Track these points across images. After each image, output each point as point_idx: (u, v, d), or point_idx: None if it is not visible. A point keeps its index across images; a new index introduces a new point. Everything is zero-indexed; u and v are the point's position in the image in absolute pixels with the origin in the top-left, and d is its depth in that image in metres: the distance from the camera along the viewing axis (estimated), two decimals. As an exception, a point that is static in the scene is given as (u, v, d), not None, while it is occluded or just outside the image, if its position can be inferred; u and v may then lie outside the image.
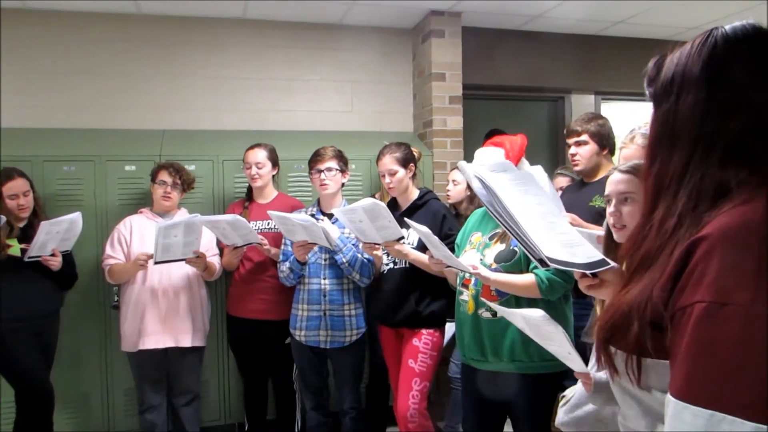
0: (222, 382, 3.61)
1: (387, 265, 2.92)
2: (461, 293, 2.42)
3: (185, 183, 3.20)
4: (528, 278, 2.22)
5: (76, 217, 2.96)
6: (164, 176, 3.14)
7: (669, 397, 0.80)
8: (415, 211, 2.86)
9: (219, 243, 3.21)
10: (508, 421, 2.43)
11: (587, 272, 1.28)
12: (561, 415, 1.81)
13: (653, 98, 0.96)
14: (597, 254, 1.30)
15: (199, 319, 3.18)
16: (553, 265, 1.32)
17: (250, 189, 3.37)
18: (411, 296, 2.80)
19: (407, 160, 2.89)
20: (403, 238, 2.69)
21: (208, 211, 3.51)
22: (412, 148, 3.00)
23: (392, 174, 2.86)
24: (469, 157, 2.61)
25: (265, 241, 3.11)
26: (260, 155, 3.24)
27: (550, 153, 4.76)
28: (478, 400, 2.43)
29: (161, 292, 3.09)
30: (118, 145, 3.59)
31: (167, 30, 3.97)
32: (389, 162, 2.87)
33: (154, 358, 3.10)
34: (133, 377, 3.22)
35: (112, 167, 3.46)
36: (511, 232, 1.35)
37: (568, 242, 1.32)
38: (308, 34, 4.23)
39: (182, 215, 3.22)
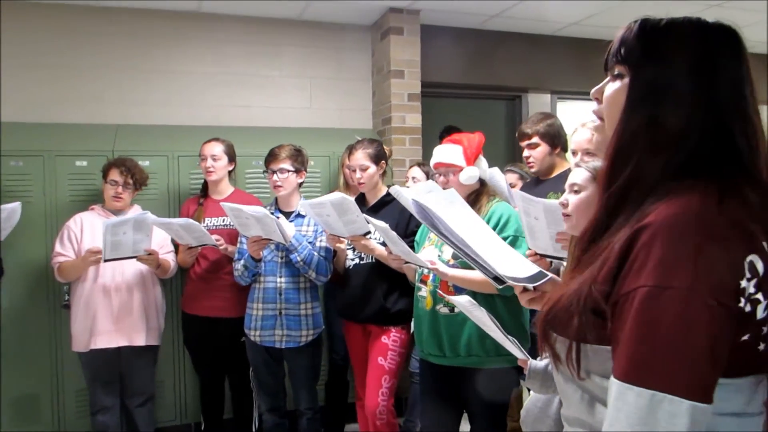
0: (177, 381, 3.54)
1: (353, 260, 2.91)
2: (420, 289, 2.44)
3: (137, 182, 3.11)
4: (485, 274, 2.24)
5: (17, 206, 2.84)
6: (115, 175, 3.05)
7: (612, 379, 0.82)
8: (382, 207, 2.87)
9: (174, 240, 3.15)
10: (466, 415, 2.46)
11: (529, 286, 1.30)
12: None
13: (632, 89, 0.94)
14: (534, 267, 1.33)
15: (153, 318, 3.12)
16: (509, 283, 1.33)
17: (205, 185, 3.32)
18: (378, 291, 2.80)
19: (379, 157, 2.89)
20: (369, 233, 2.69)
21: (162, 208, 3.44)
22: (384, 147, 3.00)
23: (363, 169, 2.85)
24: (427, 155, 2.63)
25: (221, 240, 3.06)
26: (217, 148, 3.19)
27: (507, 151, 4.82)
28: (435, 395, 2.45)
29: (114, 290, 3.01)
30: (69, 140, 3.48)
31: (121, 22, 3.87)
32: (362, 157, 2.86)
33: (106, 358, 3.01)
34: (85, 378, 3.12)
35: (62, 163, 3.35)
36: (460, 253, 1.36)
37: (509, 257, 1.35)
38: (266, 29, 4.18)
39: (135, 211, 3.15)
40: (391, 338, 2.80)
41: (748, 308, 0.81)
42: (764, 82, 4.79)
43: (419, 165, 3.53)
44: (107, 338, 2.98)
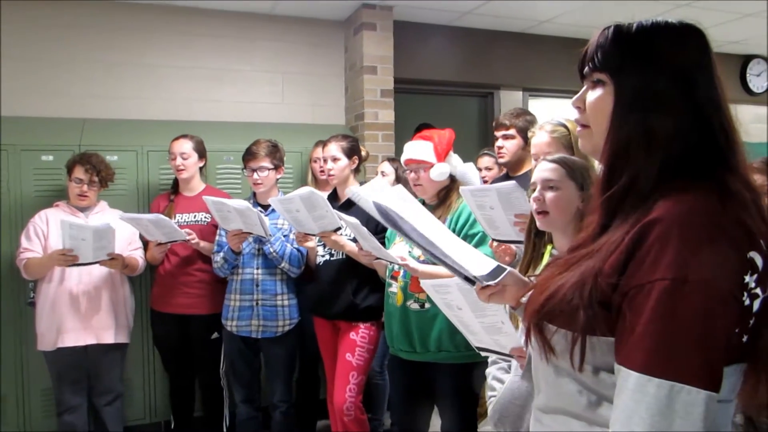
0: (147, 379, 3.50)
1: (323, 256, 2.90)
2: (390, 285, 2.44)
3: (103, 179, 3.04)
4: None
5: None
6: (80, 173, 2.97)
7: (627, 371, 0.83)
8: (353, 204, 2.86)
9: (143, 237, 3.11)
10: (436, 410, 2.48)
11: (491, 282, 1.29)
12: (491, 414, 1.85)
13: (619, 95, 0.95)
14: (492, 262, 1.32)
15: (122, 315, 3.07)
16: (484, 282, 1.32)
17: (176, 181, 3.28)
18: (348, 288, 2.79)
19: (352, 151, 2.89)
20: (340, 228, 2.68)
21: (131, 204, 3.39)
22: (361, 147, 3.00)
23: (334, 160, 2.85)
24: (400, 151, 2.63)
25: (192, 235, 3.03)
26: (186, 146, 3.15)
27: (480, 147, 4.83)
28: (406, 391, 2.46)
29: (81, 287, 2.96)
30: (35, 134, 3.40)
31: (91, 14, 3.80)
32: (334, 149, 2.86)
33: (73, 356, 2.96)
34: (51, 377, 3.06)
35: (28, 157, 3.27)
36: (426, 254, 1.33)
37: (467, 254, 1.34)
38: (238, 23, 4.14)
39: (102, 208, 3.10)
40: (359, 334, 2.80)
41: (747, 302, 0.84)
42: (736, 81, 4.86)
43: (390, 160, 3.54)
44: (74, 336, 2.93)
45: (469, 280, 1.31)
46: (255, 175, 2.95)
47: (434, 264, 2.26)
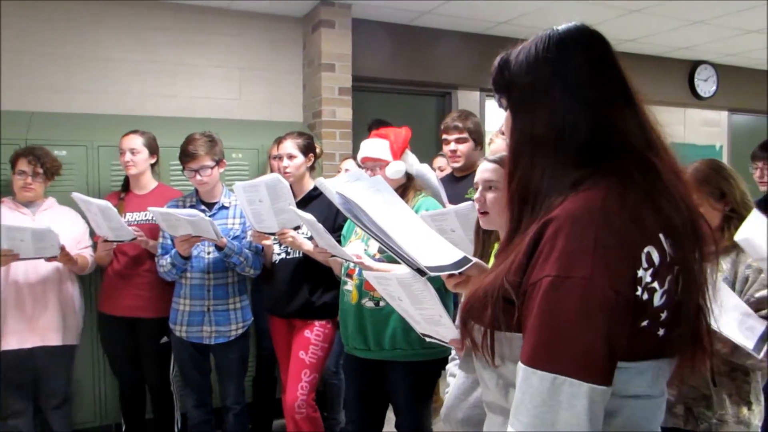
0: (97, 381, 3.40)
1: (279, 255, 2.87)
2: (345, 283, 2.44)
3: (48, 171, 2.94)
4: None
5: None
6: (23, 165, 2.88)
7: (519, 364, 0.86)
8: (310, 201, 2.84)
9: (94, 236, 3.01)
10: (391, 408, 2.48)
11: (455, 272, 1.31)
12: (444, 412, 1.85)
13: (509, 107, 1.02)
14: (459, 252, 1.34)
15: (70, 316, 2.97)
16: (432, 273, 1.33)
17: (126, 179, 3.19)
18: (305, 287, 2.77)
19: (308, 148, 2.87)
20: (299, 227, 2.65)
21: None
22: (316, 144, 2.99)
23: (290, 158, 2.82)
24: (357, 149, 2.63)
25: (141, 234, 2.94)
26: (136, 141, 3.06)
27: (437, 147, 4.85)
28: (361, 389, 2.45)
29: (27, 287, 2.86)
30: (-23, 128, 3.27)
31: (39, 5, 3.66)
32: (290, 146, 2.83)
33: (17, 359, 2.85)
34: (-6, 380, 2.95)
35: (-30, 151, 3.15)
36: (383, 245, 1.35)
37: (434, 245, 1.35)
38: (194, 17, 4.07)
39: (50, 205, 3.01)
40: (314, 332, 2.78)
41: (645, 296, 0.87)
42: (685, 85, 5.02)
43: (354, 158, 3.53)
44: (18, 338, 2.83)
45: (421, 271, 1.32)
46: (197, 177, 2.84)
47: (392, 262, 2.27)
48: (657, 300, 0.88)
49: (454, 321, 1.43)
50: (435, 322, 1.61)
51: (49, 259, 2.79)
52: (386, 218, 1.35)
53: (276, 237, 2.72)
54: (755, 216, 1.68)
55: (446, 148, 3.05)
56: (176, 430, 3.19)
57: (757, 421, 1.70)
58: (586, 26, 1.01)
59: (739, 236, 1.67)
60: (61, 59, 3.75)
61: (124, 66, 3.91)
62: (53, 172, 2.98)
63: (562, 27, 1.00)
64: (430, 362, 2.31)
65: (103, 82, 3.86)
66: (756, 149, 3.08)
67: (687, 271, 0.93)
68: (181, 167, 2.91)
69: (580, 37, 0.99)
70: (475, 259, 1.32)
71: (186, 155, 2.83)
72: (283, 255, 2.86)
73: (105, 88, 3.86)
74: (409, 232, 1.35)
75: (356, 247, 2.37)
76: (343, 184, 1.43)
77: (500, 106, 1.06)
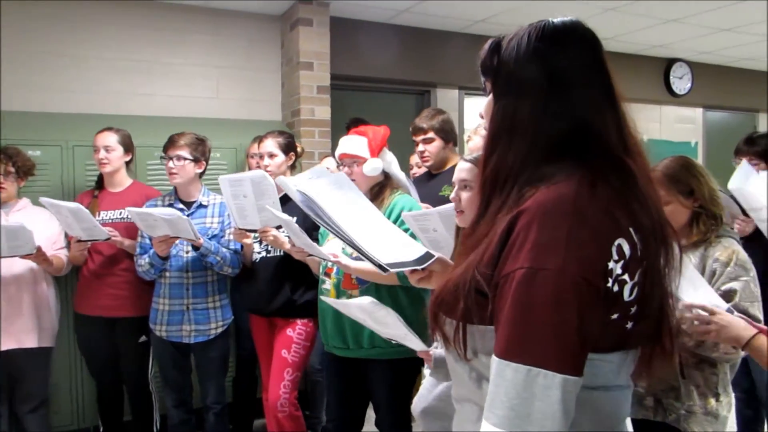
0: (74, 384, 3.36)
1: (260, 253, 2.86)
2: (323, 282, 2.44)
3: (21, 170, 2.90)
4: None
5: None
6: None
7: (493, 357, 0.86)
8: (289, 200, 2.82)
9: (68, 236, 2.98)
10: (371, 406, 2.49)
11: (417, 267, 1.32)
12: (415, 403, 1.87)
13: (494, 91, 1.02)
14: (422, 248, 1.35)
15: (45, 317, 2.94)
16: (391, 270, 1.34)
17: (101, 177, 3.15)
18: (286, 285, 2.76)
19: (289, 147, 2.87)
20: (281, 227, 2.65)
21: (55, 201, 3.25)
22: (297, 143, 2.98)
23: (271, 156, 2.82)
24: (336, 148, 2.63)
25: (115, 233, 2.90)
26: (110, 139, 3.03)
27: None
28: (340, 387, 2.46)
29: (0, 288, 2.81)
30: (-52, 128, 3.22)
31: (10, 3, 3.60)
32: (270, 145, 2.83)
33: (-9, 363, 2.82)
34: (-33, 384, 2.91)
35: (-60, 152, 3.09)
36: (345, 242, 1.35)
37: (396, 241, 1.36)
38: (171, 15, 4.03)
39: (24, 205, 2.96)
40: (296, 331, 2.78)
41: (615, 288, 0.87)
42: (660, 83, 5.07)
43: (334, 156, 3.53)
44: (-8, 340, 2.79)
45: (381, 267, 1.33)
46: (171, 163, 2.83)
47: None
48: (627, 293, 0.89)
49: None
50: (401, 338, 1.64)
51: (25, 257, 2.75)
52: (347, 215, 1.35)
53: (257, 235, 2.71)
54: (745, 166, 1.68)
55: (417, 150, 3.06)
56: (155, 430, 3.16)
57: (725, 412, 1.73)
58: (581, 22, 1.01)
59: (732, 185, 1.66)
60: (35, 58, 3.70)
61: (100, 65, 3.87)
62: (26, 171, 2.94)
63: (557, 20, 1.00)
64: (409, 360, 2.31)
65: (79, 81, 3.81)
66: (740, 143, 3.11)
67: (653, 266, 0.94)
68: (158, 166, 2.89)
69: (574, 32, 0.99)
70: (438, 255, 1.33)
71: (168, 141, 2.87)
72: (264, 253, 2.85)
73: (81, 87, 3.81)
74: (371, 229, 1.35)
75: (333, 246, 2.37)
76: (304, 182, 1.43)
77: (484, 90, 1.06)
